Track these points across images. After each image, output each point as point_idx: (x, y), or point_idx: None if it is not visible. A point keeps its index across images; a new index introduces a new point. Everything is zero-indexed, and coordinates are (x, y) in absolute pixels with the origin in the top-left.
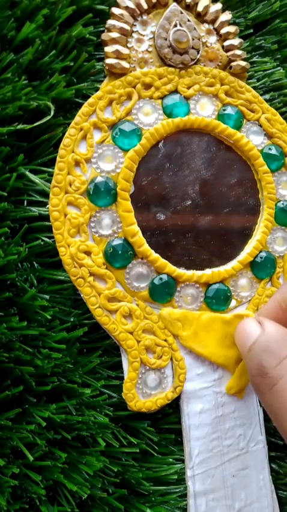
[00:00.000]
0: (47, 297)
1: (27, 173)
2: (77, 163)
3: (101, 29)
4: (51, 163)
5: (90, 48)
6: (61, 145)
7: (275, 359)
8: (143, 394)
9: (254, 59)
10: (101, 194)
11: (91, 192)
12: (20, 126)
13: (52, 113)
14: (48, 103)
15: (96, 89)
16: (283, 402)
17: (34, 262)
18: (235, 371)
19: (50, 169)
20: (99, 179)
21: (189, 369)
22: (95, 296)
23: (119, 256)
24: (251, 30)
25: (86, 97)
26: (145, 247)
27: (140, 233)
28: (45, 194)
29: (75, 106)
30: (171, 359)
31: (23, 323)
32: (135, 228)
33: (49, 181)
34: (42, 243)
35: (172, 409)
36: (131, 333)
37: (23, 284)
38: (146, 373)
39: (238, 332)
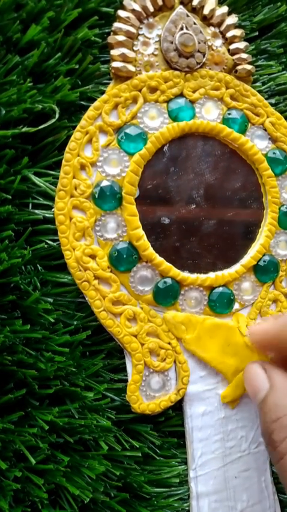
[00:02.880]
0: (51, 300)
1: (32, 176)
2: (83, 167)
3: (107, 31)
4: (56, 166)
5: (95, 51)
6: (67, 149)
7: (284, 431)
8: (146, 397)
9: (260, 62)
10: (107, 198)
11: (96, 196)
12: (24, 129)
13: (57, 115)
14: (53, 106)
15: (101, 92)
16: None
17: (38, 265)
18: (233, 381)
19: (54, 172)
20: (104, 183)
21: (192, 371)
22: (99, 299)
23: (124, 259)
24: (257, 34)
25: (90, 100)
26: (150, 251)
27: (144, 237)
28: (50, 197)
29: (80, 109)
30: (174, 362)
31: (26, 326)
32: (140, 231)
33: (53, 184)
34: (46, 246)
35: (174, 413)
36: (135, 336)
37: (27, 287)
38: (150, 376)
39: (247, 381)
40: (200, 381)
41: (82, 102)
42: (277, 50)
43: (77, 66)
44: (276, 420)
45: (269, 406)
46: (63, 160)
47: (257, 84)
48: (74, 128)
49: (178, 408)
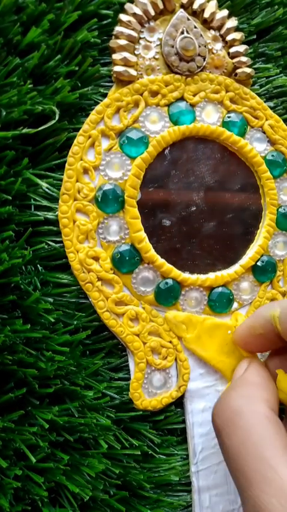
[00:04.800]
0: (51, 300)
1: (33, 177)
2: (86, 171)
3: (106, 33)
4: (56, 167)
5: (95, 53)
6: (70, 153)
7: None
8: (148, 394)
9: (257, 65)
10: (109, 201)
11: (99, 199)
12: (25, 130)
13: (57, 117)
14: (53, 107)
15: (101, 94)
16: None
17: (38, 266)
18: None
19: (54, 174)
20: (107, 186)
21: (192, 369)
22: (103, 300)
23: (127, 261)
24: (255, 37)
25: (90, 101)
26: (152, 253)
27: (146, 239)
28: (50, 198)
29: (80, 110)
30: (175, 360)
31: (26, 326)
32: (142, 234)
33: (54, 185)
34: (46, 246)
35: (173, 412)
36: (138, 335)
37: (27, 287)
38: (151, 374)
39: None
40: (200, 378)
41: (82, 101)
42: (275, 53)
43: (76, 68)
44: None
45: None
46: (66, 164)
47: (255, 87)
48: (74, 129)
49: (177, 406)
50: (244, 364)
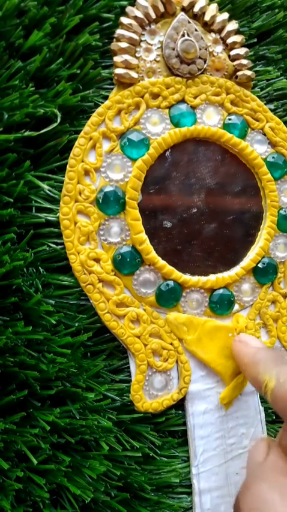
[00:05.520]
0: (52, 302)
1: (34, 179)
2: (87, 173)
3: (108, 36)
4: (58, 169)
5: (96, 56)
6: (71, 155)
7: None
8: (149, 396)
9: (258, 68)
10: (110, 203)
11: (100, 201)
12: (27, 133)
13: (59, 120)
14: (55, 110)
15: (102, 96)
16: None
17: (40, 268)
18: (230, 383)
19: (55, 176)
20: (108, 188)
21: (193, 371)
22: (104, 302)
23: (128, 263)
24: (255, 40)
25: (91, 104)
26: (153, 255)
27: (147, 241)
28: (51, 200)
29: (81, 113)
30: (176, 361)
31: (28, 328)
32: (143, 236)
33: (55, 187)
34: (48, 248)
35: (174, 413)
36: (139, 337)
37: (29, 289)
38: (152, 375)
39: (250, 450)
40: (201, 380)
41: (83, 103)
42: (275, 56)
43: (78, 71)
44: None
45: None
46: (67, 166)
47: (256, 89)
48: (75, 132)
49: (177, 408)
50: (262, 447)
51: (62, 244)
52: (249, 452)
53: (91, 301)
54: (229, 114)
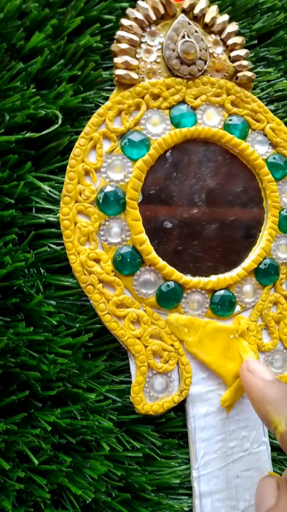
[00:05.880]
0: (53, 302)
1: (35, 180)
2: (87, 173)
3: (109, 37)
4: (59, 170)
5: (97, 57)
6: (71, 155)
7: None
8: (150, 398)
9: (258, 69)
10: (110, 203)
11: (101, 201)
12: (28, 134)
13: (60, 121)
14: (56, 111)
15: (103, 97)
16: None
17: (41, 269)
18: (232, 386)
19: (57, 177)
20: (108, 188)
21: (194, 373)
22: (104, 302)
23: (128, 263)
24: (256, 41)
25: (93, 105)
26: (153, 255)
27: (148, 241)
28: (52, 201)
29: (82, 114)
30: (177, 363)
31: (29, 328)
32: (144, 236)
33: (56, 188)
34: (49, 249)
35: (175, 414)
36: (139, 338)
37: (30, 290)
38: (153, 377)
39: (258, 489)
40: (202, 382)
41: (85, 105)
42: (276, 57)
43: (79, 73)
44: None
45: None
46: (68, 166)
47: (257, 90)
48: (76, 133)
49: (179, 410)
50: (271, 487)
51: (63, 244)
52: (257, 492)
53: (91, 301)
54: (230, 114)
